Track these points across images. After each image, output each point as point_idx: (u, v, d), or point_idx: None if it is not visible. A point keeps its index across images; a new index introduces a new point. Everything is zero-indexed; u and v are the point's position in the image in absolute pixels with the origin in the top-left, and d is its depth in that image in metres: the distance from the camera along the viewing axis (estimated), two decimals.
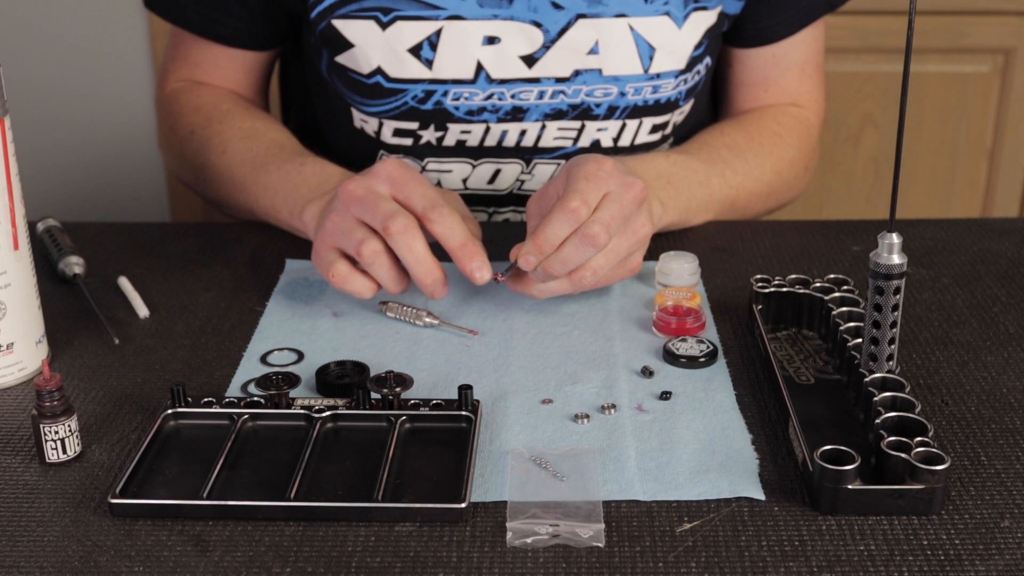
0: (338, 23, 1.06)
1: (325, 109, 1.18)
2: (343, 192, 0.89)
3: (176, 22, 1.15)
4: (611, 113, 1.10)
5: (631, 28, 1.06)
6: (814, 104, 1.20)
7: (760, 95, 1.19)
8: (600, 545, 0.66)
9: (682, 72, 1.11)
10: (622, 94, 1.09)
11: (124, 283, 0.98)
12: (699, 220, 1.06)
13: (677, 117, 1.16)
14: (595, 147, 1.12)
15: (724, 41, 1.18)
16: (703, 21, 1.09)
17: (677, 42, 1.08)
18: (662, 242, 1.04)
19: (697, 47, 1.10)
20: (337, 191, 0.90)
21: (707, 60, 1.14)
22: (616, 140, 1.13)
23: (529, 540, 0.66)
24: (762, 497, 0.70)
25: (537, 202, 0.91)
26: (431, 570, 0.64)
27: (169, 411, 0.77)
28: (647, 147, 1.14)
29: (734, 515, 0.68)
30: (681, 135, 1.19)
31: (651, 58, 1.08)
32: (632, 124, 1.12)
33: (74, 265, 0.99)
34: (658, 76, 1.09)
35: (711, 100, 1.26)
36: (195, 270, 1.02)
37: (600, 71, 1.08)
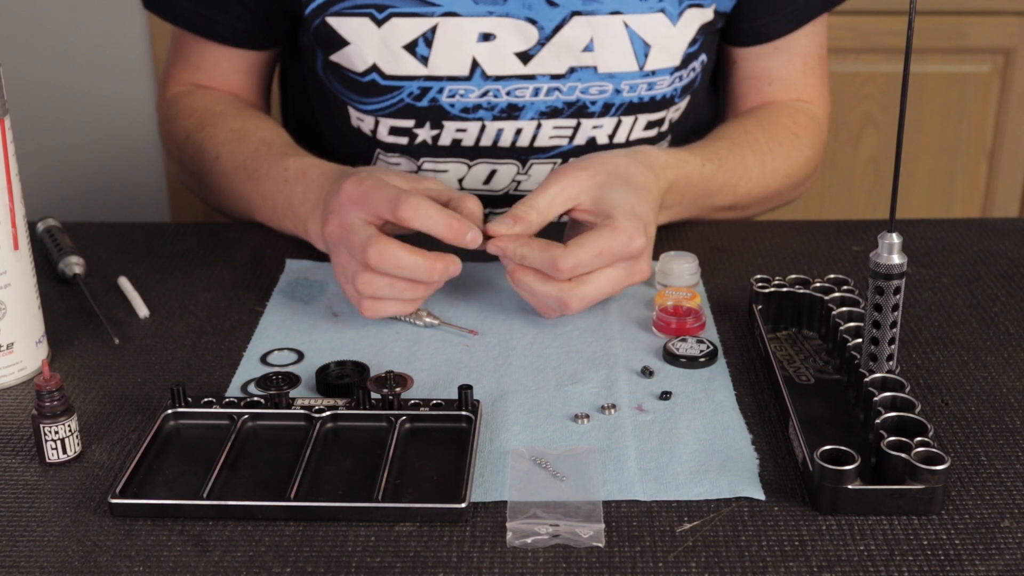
0: (332, 20, 1.06)
1: (323, 108, 1.18)
2: (327, 235, 0.90)
3: (174, 22, 1.15)
4: (606, 110, 1.11)
5: (626, 25, 1.06)
6: (820, 99, 1.20)
7: (764, 89, 1.19)
8: (600, 545, 0.66)
9: (677, 69, 1.11)
10: (617, 91, 1.09)
11: (124, 283, 0.98)
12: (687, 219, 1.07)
13: (673, 114, 1.16)
14: (591, 145, 1.12)
15: (723, 40, 1.18)
16: (697, 18, 1.09)
17: (672, 39, 1.08)
18: (662, 242, 1.04)
19: (692, 44, 1.10)
20: (324, 233, 0.90)
21: (703, 57, 1.14)
22: (612, 137, 1.13)
23: (529, 540, 0.66)
24: (762, 497, 0.70)
25: (562, 188, 0.89)
26: (431, 570, 0.64)
27: (169, 411, 0.77)
28: (643, 144, 1.14)
29: (734, 515, 0.68)
30: (678, 132, 1.19)
31: (646, 55, 1.08)
32: (627, 121, 1.12)
33: (74, 265, 0.99)
34: (653, 73, 1.09)
35: (712, 97, 1.26)
36: (195, 270, 1.02)
37: (595, 68, 1.08)
